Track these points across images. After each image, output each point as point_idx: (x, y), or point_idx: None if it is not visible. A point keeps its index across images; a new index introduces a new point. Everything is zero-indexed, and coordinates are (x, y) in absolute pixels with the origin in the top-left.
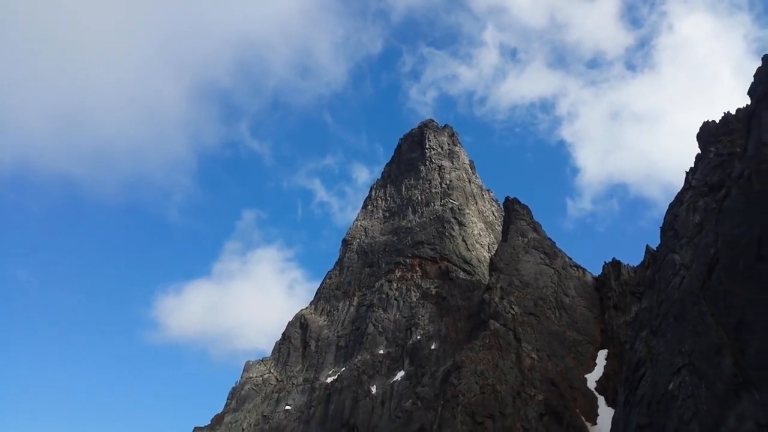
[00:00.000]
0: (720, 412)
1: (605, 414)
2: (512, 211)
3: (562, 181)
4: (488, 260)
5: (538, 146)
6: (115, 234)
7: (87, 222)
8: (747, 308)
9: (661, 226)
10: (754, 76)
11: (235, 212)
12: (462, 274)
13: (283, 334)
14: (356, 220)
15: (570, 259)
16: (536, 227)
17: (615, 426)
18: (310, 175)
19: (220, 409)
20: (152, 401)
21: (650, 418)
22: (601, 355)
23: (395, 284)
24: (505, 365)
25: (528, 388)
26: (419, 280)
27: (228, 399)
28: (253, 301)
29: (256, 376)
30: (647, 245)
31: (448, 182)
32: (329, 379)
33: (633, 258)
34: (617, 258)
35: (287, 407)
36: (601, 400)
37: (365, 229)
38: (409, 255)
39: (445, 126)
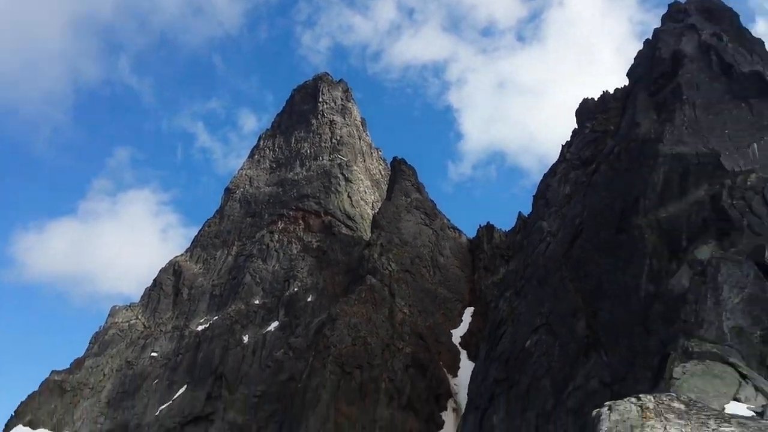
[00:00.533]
0: (570, 370)
1: (466, 367)
2: (399, 171)
3: (445, 145)
4: (371, 217)
5: (426, 109)
6: None
7: None
8: (603, 276)
9: (534, 194)
10: (634, 58)
11: (107, 150)
12: (344, 230)
13: (155, 280)
14: (241, 168)
15: (448, 220)
16: (419, 188)
17: (474, 379)
18: (194, 117)
19: (80, 355)
20: (4, 344)
21: (507, 373)
22: (468, 313)
23: (277, 236)
24: (377, 319)
25: (397, 341)
26: (301, 233)
27: (90, 344)
28: (122, 245)
29: (122, 322)
30: (520, 212)
31: (338, 137)
32: (200, 327)
33: (506, 224)
34: (491, 222)
35: (153, 354)
36: (463, 354)
37: (250, 178)
38: (293, 207)
39: (340, 81)
